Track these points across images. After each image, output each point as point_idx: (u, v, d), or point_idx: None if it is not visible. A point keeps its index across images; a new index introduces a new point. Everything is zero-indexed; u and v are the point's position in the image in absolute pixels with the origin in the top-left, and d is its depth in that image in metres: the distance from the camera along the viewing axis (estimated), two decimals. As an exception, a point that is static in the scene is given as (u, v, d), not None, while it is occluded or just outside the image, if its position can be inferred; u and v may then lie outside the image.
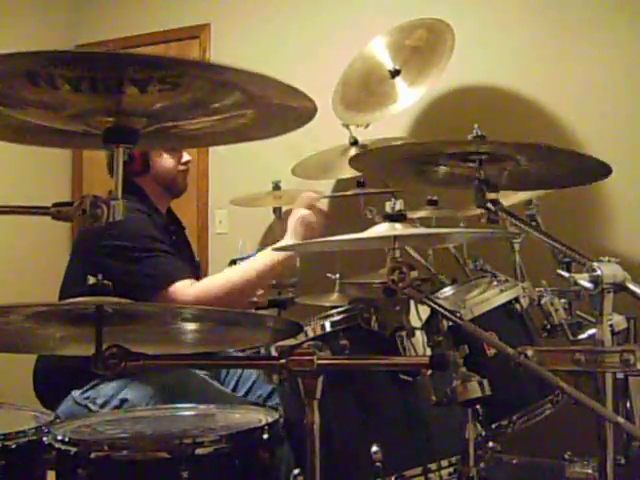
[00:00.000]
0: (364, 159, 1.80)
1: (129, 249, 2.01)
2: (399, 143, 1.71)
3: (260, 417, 1.54)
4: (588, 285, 1.31)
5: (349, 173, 2.84)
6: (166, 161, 2.28)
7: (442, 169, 1.64)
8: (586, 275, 1.31)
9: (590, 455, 1.83)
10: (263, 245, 3.37)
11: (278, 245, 2.03)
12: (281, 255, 2.02)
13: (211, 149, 3.54)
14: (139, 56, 0.96)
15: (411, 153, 1.64)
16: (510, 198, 2.12)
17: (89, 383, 1.97)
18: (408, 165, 1.66)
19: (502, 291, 1.95)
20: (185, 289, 1.98)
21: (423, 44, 2.79)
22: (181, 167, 2.31)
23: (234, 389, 2.21)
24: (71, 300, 1.21)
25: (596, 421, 1.32)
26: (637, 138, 2.84)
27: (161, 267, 2.02)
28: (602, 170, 1.52)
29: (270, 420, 1.50)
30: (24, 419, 1.58)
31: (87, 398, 1.96)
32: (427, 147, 1.64)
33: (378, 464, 1.53)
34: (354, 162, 1.73)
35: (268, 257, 2.03)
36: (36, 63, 0.94)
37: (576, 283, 1.33)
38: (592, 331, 1.50)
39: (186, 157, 2.32)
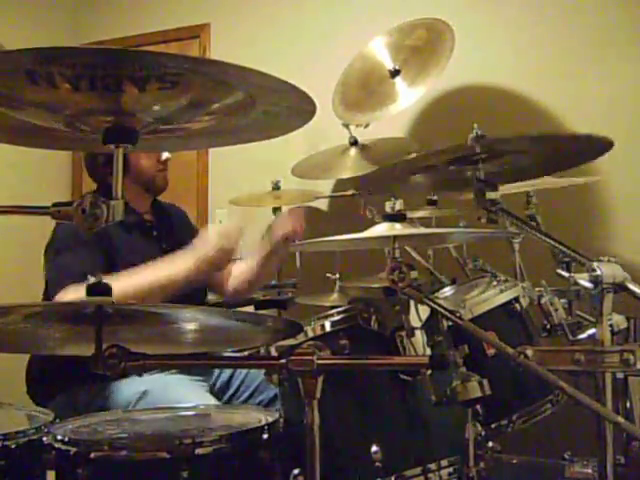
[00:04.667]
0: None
1: (53, 248, 2.04)
2: (408, 158, 1.69)
3: (260, 417, 1.54)
4: (588, 285, 1.31)
5: (349, 173, 2.84)
6: (144, 161, 2.25)
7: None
8: (586, 275, 1.31)
9: (590, 455, 1.84)
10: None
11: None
12: (195, 258, 1.97)
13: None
14: (137, 52, 0.96)
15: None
16: (508, 188, 2.11)
17: (75, 386, 1.97)
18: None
19: (502, 291, 1.94)
20: (69, 294, 1.83)
21: (423, 44, 2.79)
22: (160, 166, 2.29)
23: (235, 392, 2.20)
24: (71, 300, 1.21)
25: (596, 421, 1.32)
26: (638, 138, 2.83)
27: (65, 267, 1.96)
28: (602, 146, 1.51)
29: (270, 420, 1.50)
30: (24, 419, 1.58)
31: (70, 403, 1.96)
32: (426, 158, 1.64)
33: (378, 464, 1.53)
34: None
35: (177, 263, 1.97)
36: (35, 61, 0.94)
37: (576, 283, 1.33)
38: (592, 331, 1.50)
39: (165, 155, 2.30)
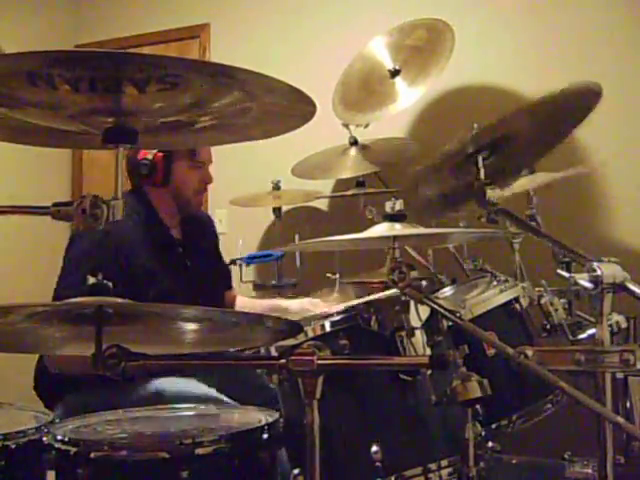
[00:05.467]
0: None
1: (74, 258, 2.04)
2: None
3: (260, 417, 1.54)
4: (588, 285, 1.31)
5: (349, 173, 2.85)
6: (189, 177, 2.23)
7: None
8: (586, 275, 1.31)
9: (590, 455, 1.84)
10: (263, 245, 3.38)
11: None
12: None
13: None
14: (137, 56, 0.96)
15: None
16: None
17: (84, 386, 1.97)
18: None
19: (502, 291, 1.95)
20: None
21: (423, 44, 2.79)
22: (201, 188, 2.27)
23: (239, 388, 2.20)
24: (71, 300, 1.21)
25: (596, 421, 1.32)
26: (637, 137, 2.84)
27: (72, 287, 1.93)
28: (592, 96, 1.50)
29: (270, 420, 1.49)
30: (24, 419, 1.57)
31: (80, 404, 1.96)
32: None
33: (378, 464, 1.53)
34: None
35: None
36: (35, 63, 0.94)
37: (576, 283, 1.33)
38: (592, 331, 1.50)
39: (208, 179, 2.29)
